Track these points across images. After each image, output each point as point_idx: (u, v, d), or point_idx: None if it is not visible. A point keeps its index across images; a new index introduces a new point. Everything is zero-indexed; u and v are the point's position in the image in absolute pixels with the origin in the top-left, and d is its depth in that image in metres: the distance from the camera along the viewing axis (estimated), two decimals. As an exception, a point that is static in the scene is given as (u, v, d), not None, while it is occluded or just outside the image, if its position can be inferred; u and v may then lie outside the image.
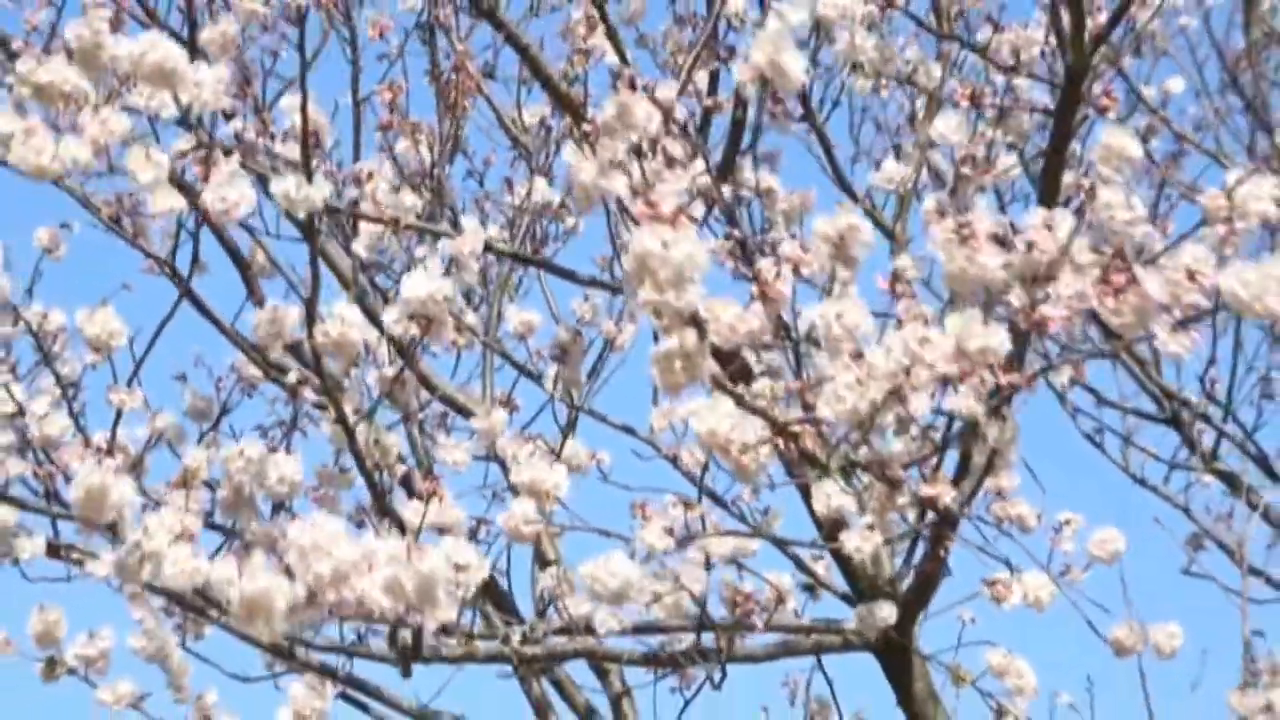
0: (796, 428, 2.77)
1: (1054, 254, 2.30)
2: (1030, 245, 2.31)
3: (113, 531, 3.78)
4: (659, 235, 2.46)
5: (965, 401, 2.56)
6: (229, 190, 3.11)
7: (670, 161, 2.60)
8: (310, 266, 3.78)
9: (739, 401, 2.77)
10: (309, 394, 4.90)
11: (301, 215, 3.57)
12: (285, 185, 3.41)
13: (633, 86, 2.88)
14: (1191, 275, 2.31)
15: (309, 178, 3.39)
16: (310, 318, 3.55)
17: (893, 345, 2.52)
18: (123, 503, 3.12)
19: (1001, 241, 2.33)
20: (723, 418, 2.79)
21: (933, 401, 2.79)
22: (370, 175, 4.45)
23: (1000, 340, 2.49)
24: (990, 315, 2.43)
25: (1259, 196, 2.50)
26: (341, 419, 3.74)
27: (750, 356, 4.07)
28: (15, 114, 3.03)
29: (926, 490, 3.26)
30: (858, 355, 2.56)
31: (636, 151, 2.62)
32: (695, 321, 2.57)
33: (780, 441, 2.80)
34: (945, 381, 2.73)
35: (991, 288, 2.36)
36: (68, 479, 4.28)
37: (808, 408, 2.74)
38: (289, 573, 2.80)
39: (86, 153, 3.01)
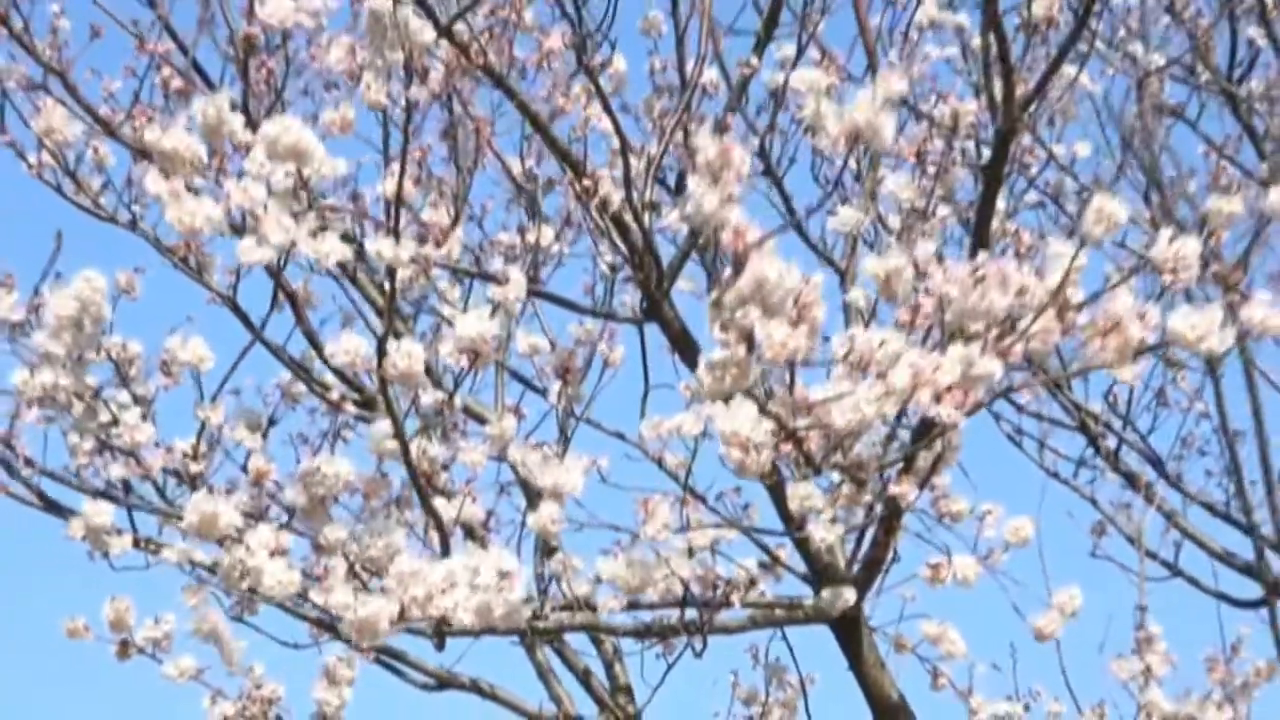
0: (803, 433, 2.80)
1: (1043, 298, 2.35)
2: (1022, 290, 2.36)
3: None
4: (776, 266, 2.50)
5: (949, 410, 2.59)
6: (323, 244, 3.14)
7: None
8: (386, 312, 3.79)
9: (762, 409, 2.80)
10: (349, 407, 4.94)
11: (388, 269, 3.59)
12: (379, 245, 3.44)
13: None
14: (1142, 316, 2.37)
15: (397, 239, 3.42)
16: (381, 353, 3.57)
17: (910, 367, 2.55)
18: (230, 525, 3.19)
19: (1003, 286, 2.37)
20: (743, 420, 2.81)
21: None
22: (448, 233, 4.45)
23: (996, 368, 2.53)
24: (985, 349, 2.48)
25: (1189, 252, 2.55)
26: (399, 434, 3.76)
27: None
28: (160, 176, 3.06)
29: (894, 489, 3.31)
30: (882, 375, 2.60)
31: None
32: (749, 338, 2.59)
33: (789, 445, 2.83)
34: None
35: (994, 320, 2.41)
36: (154, 484, 4.35)
37: (814, 416, 2.77)
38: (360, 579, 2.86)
39: (220, 213, 3.04)
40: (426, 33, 3.22)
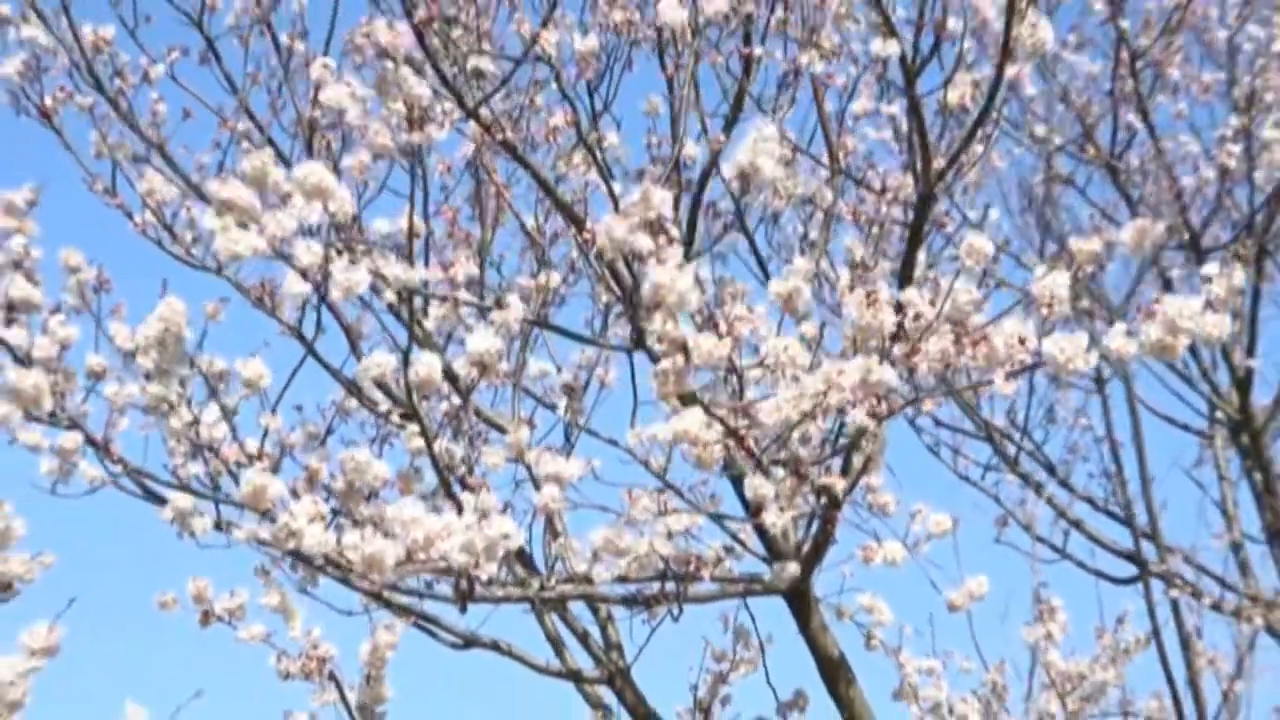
0: (743, 431, 2.88)
1: (931, 319, 2.43)
2: (918, 315, 2.44)
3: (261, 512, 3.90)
4: (669, 273, 2.58)
5: (860, 415, 2.67)
6: (351, 275, 3.22)
7: (670, 240, 2.71)
8: (408, 328, 3.86)
9: (706, 411, 2.88)
10: (394, 419, 5.01)
11: (403, 290, 3.66)
12: (394, 269, 3.51)
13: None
14: (1022, 340, 2.44)
15: (411, 264, 3.48)
16: (406, 364, 3.65)
17: (819, 374, 2.62)
18: (276, 495, 3.24)
19: (896, 307, 2.45)
20: (692, 421, 2.90)
21: (835, 418, 2.90)
22: (454, 264, 4.53)
23: (890, 375, 2.61)
24: (882, 359, 2.55)
25: (1060, 284, 2.63)
26: (424, 433, 3.83)
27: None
28: (215, 216, 3.13)
29: (824, 481, 3.38)
30: (795, 378, 2.67)
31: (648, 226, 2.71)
32: (684, 348, 2.67)
33: (730, 441, 2.91)
34: (841, 410, 2.86)
35: (885, 337, 2.49)
36: (230, 474, 4.42)
37: (750, 417, 2.85)
38: (388, 537, 2.93)
39: (263, 243, 3.12)
40: (421, 87, 3.30)
